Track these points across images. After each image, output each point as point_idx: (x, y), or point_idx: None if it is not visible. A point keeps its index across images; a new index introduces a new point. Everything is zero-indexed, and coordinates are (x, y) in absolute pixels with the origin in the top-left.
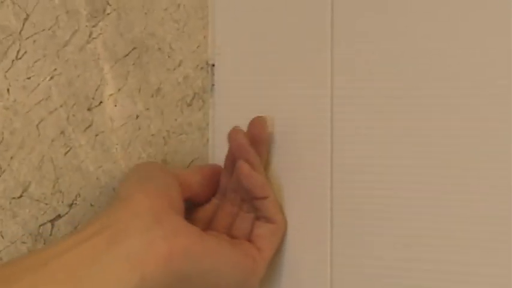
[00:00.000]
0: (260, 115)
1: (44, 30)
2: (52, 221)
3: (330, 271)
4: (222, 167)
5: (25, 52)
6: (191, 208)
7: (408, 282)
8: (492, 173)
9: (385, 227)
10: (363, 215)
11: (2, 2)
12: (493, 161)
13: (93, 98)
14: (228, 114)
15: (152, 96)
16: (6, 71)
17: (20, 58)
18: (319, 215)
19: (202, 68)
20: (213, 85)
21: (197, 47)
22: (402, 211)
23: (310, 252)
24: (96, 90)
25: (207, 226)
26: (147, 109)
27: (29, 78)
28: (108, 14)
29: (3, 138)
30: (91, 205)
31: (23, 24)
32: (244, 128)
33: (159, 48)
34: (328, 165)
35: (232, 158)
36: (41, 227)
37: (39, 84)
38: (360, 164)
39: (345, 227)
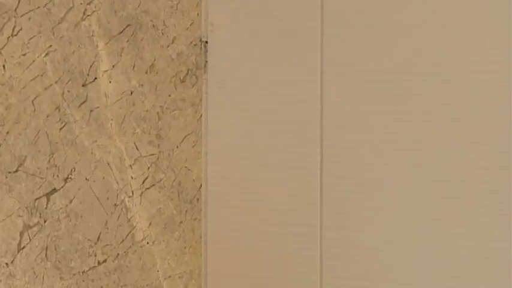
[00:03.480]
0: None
1: (39, 7)
2: (48, 195)
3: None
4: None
5: (20, 29)
6: None
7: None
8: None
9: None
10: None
11: None
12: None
13: (87, 74)
14: (221, 90)
15: (146, 72)
16: (2, 48)
17: (15, 35)
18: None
19: (195, 44)
20: (206, 62)
21: (190, 24)
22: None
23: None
24: (91, 66)
25: None
26: (141, 85)
27: (24, 54)
28: None
29: None
30: (86, 179)
31: (19, 2)
32: (238, 103)
33: (153, 25)
34: (318, 140)
35: None
36: (37, 201)
37: (34, 61)
38: (350, 139)
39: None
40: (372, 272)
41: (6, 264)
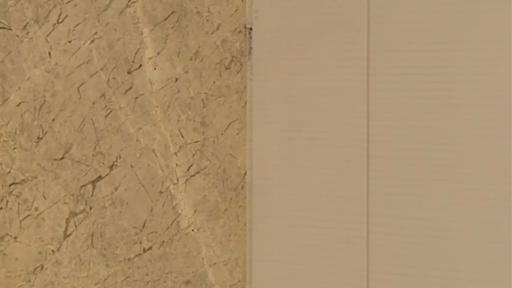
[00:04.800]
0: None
1: None
2: (93, 182)
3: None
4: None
5: (66, 16)
6: None
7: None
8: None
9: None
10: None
11: None
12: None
13: (133, 61)
14: (266, 77)
15: (191, 59)
16: (48, 35)
17: (61, 22)
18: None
19: (240, 31)
20: (250, 48)
21: (235, 11)
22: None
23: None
24: (136, 53)
25: None
26: (186, 72)
27: (70, 41)
28: None
29: (44, 100)
30: (131, 166)
31: None
32: (282, 90)
33: (198, 12)
34: (364, 126)
35: None
36: (83, 188)
37: (80, 48)
38: (397, 124)
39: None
40: (420, 259)
41: (53, 251)
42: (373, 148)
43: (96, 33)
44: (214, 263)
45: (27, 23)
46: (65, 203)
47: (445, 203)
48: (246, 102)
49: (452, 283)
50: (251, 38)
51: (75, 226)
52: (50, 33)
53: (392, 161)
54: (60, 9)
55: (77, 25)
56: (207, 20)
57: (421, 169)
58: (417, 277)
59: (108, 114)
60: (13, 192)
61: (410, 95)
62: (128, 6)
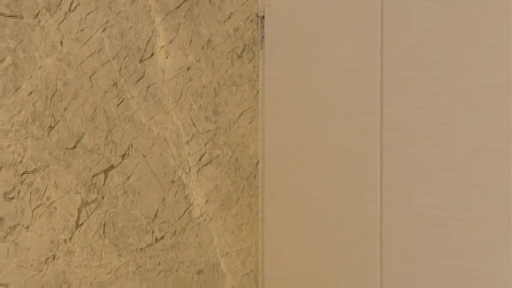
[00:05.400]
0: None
1: None
2: (105, 172)
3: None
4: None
5: (78, 4)
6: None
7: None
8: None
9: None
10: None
11: None
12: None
13: (145, 50)
14: (278, 66)
15: (203, 48)
16: (60, 23)
17: (73, 10)
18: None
19: (252, 20)
20: (263, 37)
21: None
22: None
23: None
24: (148, 42)
25: None
26: (198, 61)
27: (81, 30)
28: None
29: (56, 89)
30: (143, 156)
31: None
32: (295, 78)
33: (210, 1)
34: (378, 115)
35: None
36: (95, 177)
37: (91, 36)
38: (410, 107)
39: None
40: (431, 248)
41: (65, 240)
42: (386, 137)
43: (107, 21)
44: (227, 253)
45: (39, 11)
46: (77, 192)
47: (456, 193)
48: (258, 91)
49: (462, 272)
50: (263, 26)
51: (87, 216)
52: (62, 21)
53: (405, 151)
54: None
55: (88, 14)
56: (219, 9)
57: (433, 159)
58: (428, 266)
59: (120, 103)
60: (25, 182)
61: (424, 83)
62: None
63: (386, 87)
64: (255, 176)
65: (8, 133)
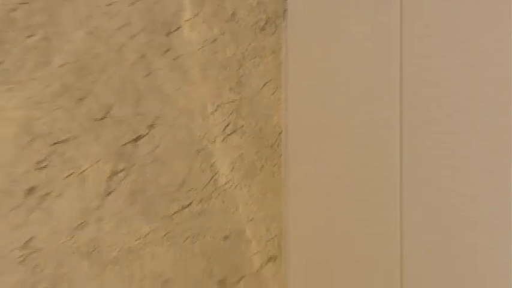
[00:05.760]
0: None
1: None
2: (134, 141)
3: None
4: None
5: None
6: None
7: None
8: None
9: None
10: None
11: None
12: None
13: (171, 23)
14: (301, 38)
15: (227, 21)
16: (83, 3)
17: None
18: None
19: None
20: (285, 10)
21: None
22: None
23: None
24: (174, 15)
25: None
26: (223, 34)
27: (110, 4)
28: None
29: (86, 62)
30: (170, 126)
31: None
32: (317, 50)
33: None
34: (397, 93)
35: None
36: (123, 147)
37: (120, 11)
38: (430, 89)
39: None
40: (451, 229)
41: (95, 208)
42: (406, 112)
43: None
44: (252, 219)
45: None
46: (107, 161)
47: (474, 177)
48: (281, 62)
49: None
50: (286, 2)
51: (117, 184)
52: None
53: (424, 130)
54: None
55: None
56: None
57: (452, 142)
58: (448, 246)
59: (148, 75)
60: (56, 152)
61: (444, 62)
62: None
63: (406, 59)
64: (278, 145)
65: (39, 105)
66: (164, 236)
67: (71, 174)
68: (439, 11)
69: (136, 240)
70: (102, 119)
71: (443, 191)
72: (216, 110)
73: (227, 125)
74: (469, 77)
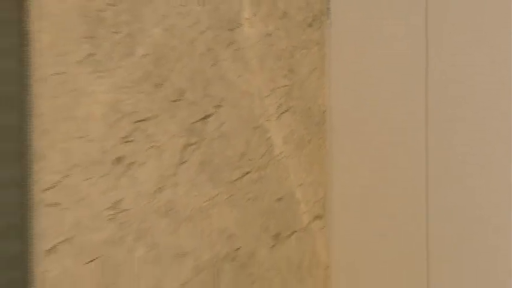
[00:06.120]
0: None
1: None
2: (203, 119)
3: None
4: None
5: None
6: None
7: None
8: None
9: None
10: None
11: None
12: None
13: (234, 21)
14: (342, 33)
15: (280, 18)
16: (165, 1)
17: None
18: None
19: None
20: (329, 9)
21: None
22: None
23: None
24: (236, 14)
25: None
26: (277, 29)
27: (183, 5)
28: None
29: (163, 54)
30: (233, 106)
31: None
32: (356, 43)
33: None
34: (423, 91)
35: None
36: (195, 124)
37: (191, 10)
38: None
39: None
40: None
41: (171, 175)
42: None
43: None
44: (301, 184)
45: None
46: (181, 136)
47: (499, 173)
48: (325, 53)
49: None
50: (329, 0)
51: (189, 155)
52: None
53: (450, 126)
54: None
55: None
56: None
57: (477, 139)
58: (472, 238)
59: (214, 64)
60: (139, 128)
61: (469, 59)
62: None
63: (431, 56)
64: (323, 122)
65: (125, 89)
66: (228, 198)
67: (152, 147)
68: (464, 10)
69: (205, 202)
70: (176, 101)
71: (468, 186)
72: (271, 93)
73: (280, 106)
74: (494, 74)
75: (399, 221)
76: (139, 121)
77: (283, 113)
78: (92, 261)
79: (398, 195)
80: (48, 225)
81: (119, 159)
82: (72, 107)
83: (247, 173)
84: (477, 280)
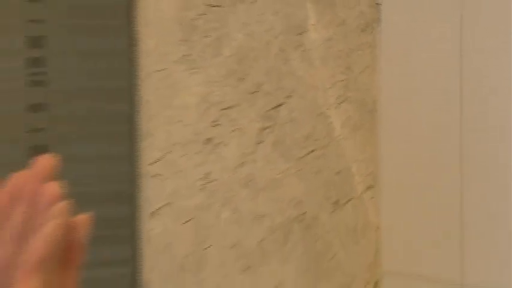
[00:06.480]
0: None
1: None
2: (276, 107)
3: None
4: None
5: None
6: None
7: None
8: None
9: None
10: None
11: None
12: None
13: (301, 27)
14: (390, 38)
15: (338, 25)
16: (246, 11)
17: (254, 2)
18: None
19: (372, 6)
20: (379, 17)
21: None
22: None
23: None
24: (303, 22)
25: None
26: (336, 34)
27: (260, 14)
28: None
29: (245, 54)
30: (301, 97)
31: None
32: (403, 45)
33: None
34: (457, 95)
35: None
36: (269, 111)
37: (267, 19)
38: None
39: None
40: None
41: (251, 153)
42: (466, 111)
43: (278, 8)
44: (356, 160)
45: (235, 2)
46: (258, 121)
47: None
48: (376, 54)
49: None
50: (380, 10)
51: (265, 137)
52: (248, 9)
53: (484, 129)
54: None
55: (264, 3)
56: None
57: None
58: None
59: (286, 63)
60: (224, 114)
61: (503, 62)
62: None
63: (465, 64)
64: (374, 111)
65: (214, 83)
66: (296, 172)
67: (234, 130)
68: (497, 12)
69: (278, 174)
70: (255, 92)
71: (500, 185)
72: (332, 86)
73: (339, 96)
74: None
75: (435, 191)
76: (224, 109)
77: (341, 102)
78: (187, 222)
79: (434, 170)
80: (152, 192)
81: (208, 140)
82: (172, 98)
83: (312, 151)
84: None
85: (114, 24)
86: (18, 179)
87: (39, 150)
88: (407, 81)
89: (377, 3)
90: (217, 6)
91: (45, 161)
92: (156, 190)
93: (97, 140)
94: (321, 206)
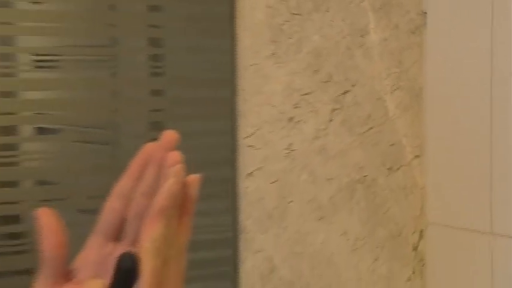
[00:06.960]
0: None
1: None
2: (343, 94)
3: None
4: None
5: (328, 7)
6: None
7: None
8: None
9: None
10: None
11: None
12: None
13: (363, 30)
14: (435, 38)
15: (392, 29)
16: (319, 19)
17: (327, 11)
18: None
19: (419, 14)
20: (425, 22)
21: (418, 3)
22: None
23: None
24: (365, 26)
25: None
26: (391, 36)
27: (332, 21)
28: None
29: (320, 51)
30: (363, 85)
31: None
32: (445, 44)
33: (398, 3)
34: (488, 96)
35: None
36: (338, 97)
37: (336, 24)
38: None
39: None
40: None
41: (323, 129)
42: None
43: (344, 16)
44: (405, 134)
45: (311, 11)
46: (329, 104)
47: None
48: (423, 52)
49: None
50: (426, 17)
51: (335, 116)
52: (322, 17)
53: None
54: (327, 5)
55: (335, 12)
56: (402, 6)
57: None
58: None
59: (351, 58)
60: (304, 98)
61: None
62: (361, 1)
63: (496, 56)
64: (421, 95)
65: (296, 74)
66: (359, 144)
67: (311, 111)
68: None
69: (345, 146)
70: (327, 82)
71: None
72: (387, 77)
73: (393, 85)
74: None
75: (468, 158)
76: (304, 94)
77: (395, 90)
78: (274, 182)
79: (468, 141)
80: (247, 159)
81: (291, 119)
82: (263, 86)
83: (371, 127)
84: None
85: (218, 27)
86: (150, 148)
87: (158, 126)
88: (447, 72)
89: (423, 12)
90: (299, 14)
91: (169, 135)
92: (250, 157)
93: (204, 119)
94: (378, 170)
